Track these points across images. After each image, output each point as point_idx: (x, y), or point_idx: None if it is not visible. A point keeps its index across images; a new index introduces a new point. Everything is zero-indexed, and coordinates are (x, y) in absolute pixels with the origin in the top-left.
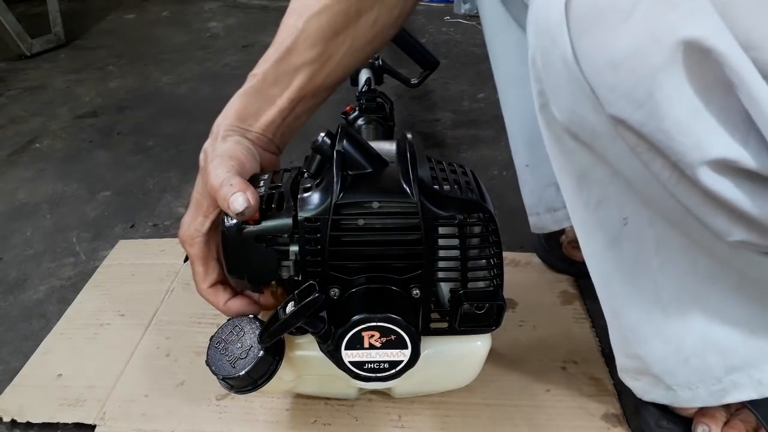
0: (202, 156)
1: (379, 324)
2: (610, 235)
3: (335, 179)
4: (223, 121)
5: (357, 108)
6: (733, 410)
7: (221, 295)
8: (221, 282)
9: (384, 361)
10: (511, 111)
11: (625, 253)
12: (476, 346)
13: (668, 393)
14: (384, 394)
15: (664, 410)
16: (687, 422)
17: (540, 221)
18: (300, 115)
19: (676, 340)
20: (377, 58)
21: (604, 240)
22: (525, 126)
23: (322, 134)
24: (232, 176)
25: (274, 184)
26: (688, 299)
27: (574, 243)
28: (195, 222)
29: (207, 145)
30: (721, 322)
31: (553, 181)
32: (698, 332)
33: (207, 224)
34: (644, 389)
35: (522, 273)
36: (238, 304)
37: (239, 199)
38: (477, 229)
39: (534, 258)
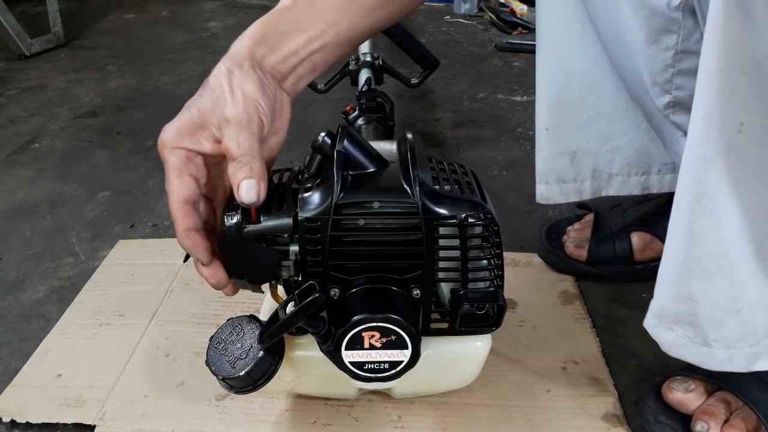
0: (220, 76)
1: (379, 324)
2: (725, 139)
3: (336, 179)
4: (243, 41)
5: (357, 108)
6: (733, 408)
7: (187, 219)
8: (193, 204)
9: (384, 362)
10: (543, 69)
11: (731, 168)
12: (476, 347)
13: (703, 350)
14: (384, 394)
15: (663, 406)
16: (686, 418)
17: (547, 191)
18: (318, 64)
19: (738, 286)
20: (377, 58)
21: (718, 144)
22: (554, 87)
23: (323, 134)
24: (255, 155)
25: (274, 183)
26: (764, 241)
27: (576, 242)
28: (184, 137)
29: (227, 65)
30: None
31: (569, 150)
32: (760, 282)
33: (196, 147)
34: (676, 342)
35: (522, 273)
36: (193, 240)
37: (252, 189)
38: (478, 230)
39: (534, 258)
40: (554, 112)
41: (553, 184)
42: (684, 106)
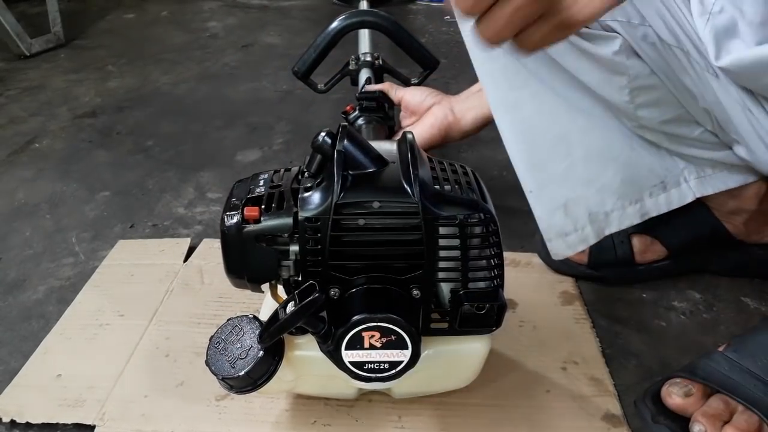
0: None
1: (379, 324)
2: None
3: (336, 179)
4: None
5: (357, 108)
6: (732, 409)
7: None
8: None
9: (384, 362)
10: (508, 138)
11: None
12: (476, 347)
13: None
14: (384, 394)
15: (662, 407)
16: (684, 420)
17: (554, 247)
18: None
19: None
20: (377, 58)
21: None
22: (523, 151)
23: (323, 134)
24: None
25: (274, 183)
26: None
27: None
28: None
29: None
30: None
31: (559, 203)
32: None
33: None
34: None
35: (522, 273)
36: None
37: None
38: (477, 230)
39: (534, 258)
40: (532, 174)
41: (556, 239)
42: (652, 129)
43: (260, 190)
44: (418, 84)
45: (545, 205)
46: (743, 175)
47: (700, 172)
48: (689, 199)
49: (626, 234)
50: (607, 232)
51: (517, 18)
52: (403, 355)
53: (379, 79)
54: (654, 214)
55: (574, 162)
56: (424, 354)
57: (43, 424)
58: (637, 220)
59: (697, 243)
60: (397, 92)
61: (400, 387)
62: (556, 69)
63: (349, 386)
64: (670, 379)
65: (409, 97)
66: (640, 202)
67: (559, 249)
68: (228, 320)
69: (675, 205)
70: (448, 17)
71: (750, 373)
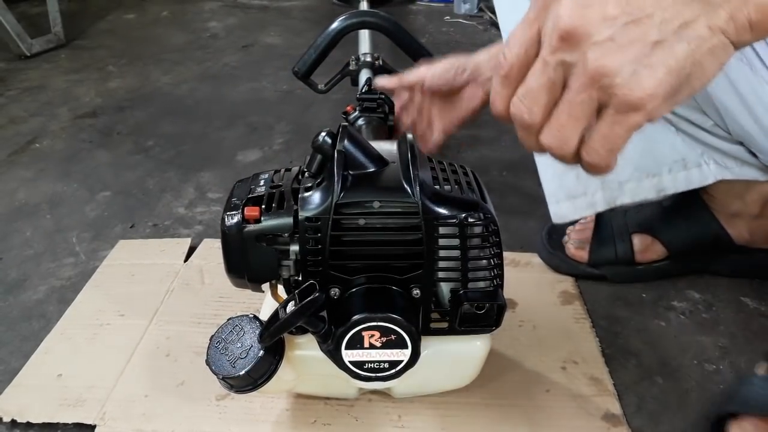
0: None
1: (379, 324)
2: None
3: (336, 179)
4: None
5: (357, 108)
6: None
7: None
8: None
9: (384, 361)
10: None
11: None
12: (476, 346)
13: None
14: (384, 394)
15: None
16: None
17: (560, 209)
18: None
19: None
20: (377, 58)
21: None
22: None
23: (323, 134)
24: None
25: (274, 183)
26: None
27: (577, 244)
28: None
29: None
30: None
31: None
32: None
33: None
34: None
35: (522, 273)
36: None
37: None
38: (477, 229)
39: (534, 258)
40: None
41: (564, 201)
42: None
43: (261, 190)
44: None
45: (559, 165)
46: (757, 171)
47: (718, 159)
48: (710, 180)
49: (627, 232)
50: (619, 203)
51: (576, 111)
52: (403, 355)
53: None
54: (671, 191)
55: None
56: (424, 353)
57: (43, 423)
58: (652, 195)
59: (698, 246)
60: (413, 73)
61: (400, 386)
62: None
63: (350, 386)
64: (735, 418)
65: (434, 77)
66: (658, 177)
67: (566, 211)
68: (228, 320)
69: (694, 185)
70: (448, 17)
71: None
